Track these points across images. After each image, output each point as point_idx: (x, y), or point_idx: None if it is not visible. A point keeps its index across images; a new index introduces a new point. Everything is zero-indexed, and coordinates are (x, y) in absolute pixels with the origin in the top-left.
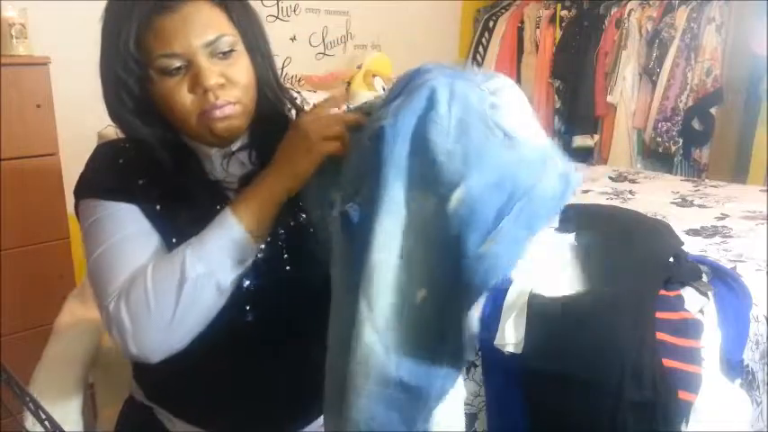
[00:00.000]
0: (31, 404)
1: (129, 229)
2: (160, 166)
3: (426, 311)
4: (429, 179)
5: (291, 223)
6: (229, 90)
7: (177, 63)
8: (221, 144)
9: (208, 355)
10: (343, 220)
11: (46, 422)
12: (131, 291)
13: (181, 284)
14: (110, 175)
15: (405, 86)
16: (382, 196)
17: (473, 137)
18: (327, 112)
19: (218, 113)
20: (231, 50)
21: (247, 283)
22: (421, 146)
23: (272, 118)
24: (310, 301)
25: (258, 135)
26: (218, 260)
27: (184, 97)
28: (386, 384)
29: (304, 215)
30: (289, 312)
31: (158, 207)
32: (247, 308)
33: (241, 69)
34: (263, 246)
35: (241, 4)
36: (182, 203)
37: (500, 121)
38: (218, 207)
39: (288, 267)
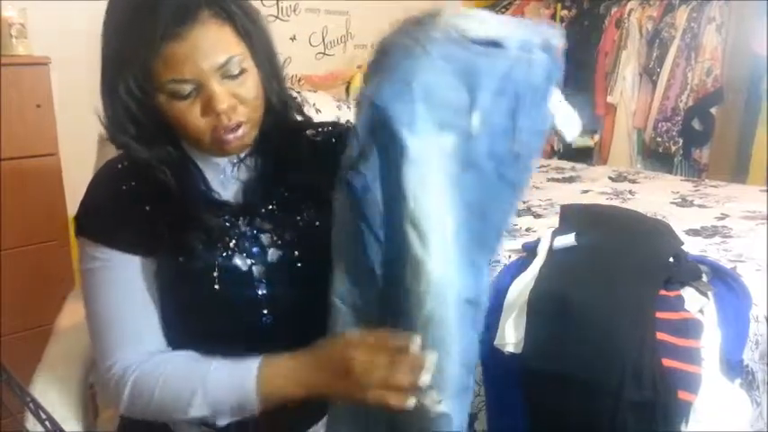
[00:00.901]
0: (31, 404)
1: (131, 287)
2: (163, 186)
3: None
4: (447, 122)
5: (300, 223)
6: (240, 110)
7: (188, 88)
8: (228, 156)
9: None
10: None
11: (46, 422)
12: (138, 382)
13: (181, 413)
14: (110, 214)
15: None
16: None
17: (461, 64)
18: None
19: (231, 137)
20: (243, 71)
21: (263, 291)
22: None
23: (277, 124)
24: (325, 298)
25: (265, 142)
26: (223, 411)
27: (197, 119)
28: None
29: (310, 209)
30: (304, 312)
31: (164, 228)
32: (265, 312)
33: (251, 87)
34: (272, 249)
35: (247, 17)
36: (187, 223)
37: (473, 35)
38: (222, 221)
39: (299, 265)
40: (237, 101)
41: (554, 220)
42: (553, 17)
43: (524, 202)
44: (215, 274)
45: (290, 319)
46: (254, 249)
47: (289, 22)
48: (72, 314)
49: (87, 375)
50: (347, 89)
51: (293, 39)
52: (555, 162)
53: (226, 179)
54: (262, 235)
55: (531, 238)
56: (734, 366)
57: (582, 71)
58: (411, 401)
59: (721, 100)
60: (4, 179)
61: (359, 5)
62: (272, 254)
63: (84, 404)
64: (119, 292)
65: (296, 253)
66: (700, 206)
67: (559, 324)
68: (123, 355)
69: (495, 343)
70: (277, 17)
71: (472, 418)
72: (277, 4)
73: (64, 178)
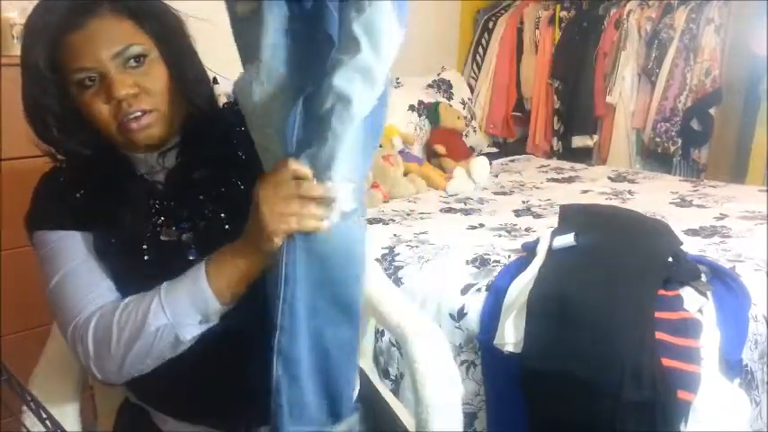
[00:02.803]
0: (32, 403)
1: (77, 257)
2: (94, 177)
3: None
4: None
5: (226, 194)
6: (144, 98)
7: (92, 77)
8: (148, 151)
9: (196, 355)
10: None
11: (47, 421)
12: (99, 321)
13: (143, 330)
14: (50, 204)
15: None
16: None
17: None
18: (284, 179)
19: (134, 125)
20: (142, 58)
21: (194, 257)
22: None
23: (202, 118)
24: None
25: (190, 135)
26: (183, 314)
27: (101, 107)
28: None
29: (234, 179)
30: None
31: (98, 217)
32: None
33: (155, 77)
34: (201, 220)
35: (154, 15)
36: (118, 206)
37: None
38: (150, 201)
39: (227, 227)
40: (141, 90)
41: (553, 220)
42: (552, 18)
43: (524, 202)
44: (144, 246)
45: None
46: (181, 224)
47: None
48: None
49: (86, 376)
50: None
51: None
52: (554, 162)
53: (153, 170)
54: (188, 209)
55: (530, 237)
56: (733, 366)
57: (581, 72)
58: (326, 223)
59: (720, 100)
60: (4, 179)
61: None
62: (200, 223)
63: (82, 405)
64: (72, 261)
65: (222, 215)
66: (699, 206)
67: (559, 324)
68: (83, 311)
69: (494, 343)
70: None
71: (472, 417)
72: None
73: None
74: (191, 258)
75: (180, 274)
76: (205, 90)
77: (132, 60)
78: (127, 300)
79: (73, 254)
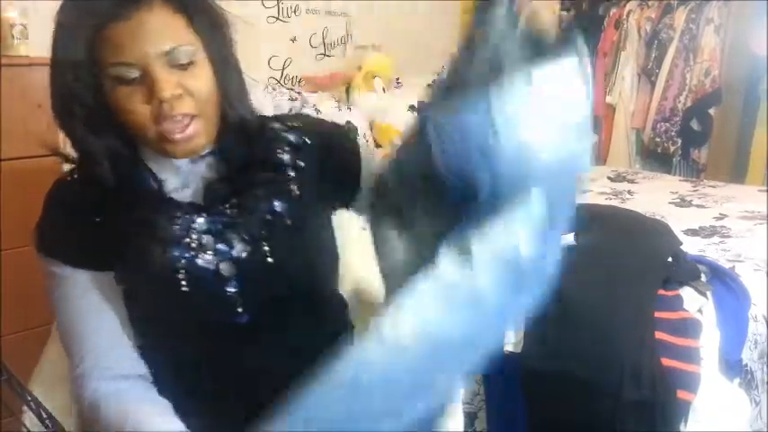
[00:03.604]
0: (32, 403)
1: (85, 298)
2: (113, 192)
3: None
4: None
5: (268, 217)
6: (188, 101)
7: (133, 73)
8: (183, 157)
9: (201, 366)
10: None
11: (47, 421)
12: (90, 400)
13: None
14: (64, 230)
15: None
16: None
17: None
18: None
19: (178, 136)
20: (191, 63)
21: (233, 289)
22: None
23: (241, 127)
24: (297, 291)
25: (225, 141)
26: None
27: (140, 107)
28: None
29: (279, 203)
30: (281, 307)
31: (118, 238)
32: (239, 310)
33: (201, 80)
34: (241, 245)
35: (205, 12)
36: (141, 228)
37: None
38: (181, 221)
39: (270, 260)
40: (185, 92)
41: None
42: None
43: None
44: (180, 275)
45: (266, 315)
46: (219, 246)
47: (289, 23)
48: None
49: None
50: (347, 90)
51: (294, 40)
52: None
53: (185, 178)
54: (227, 231)
55: None
56: (733, 366)
57: None
58: None
59: (719, 100)
60: (4, 179)
61: (359, 6)
62: (240, 249)
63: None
64: (79, 301)
65: (265, 247)
66: (698, 206)
67: (559, 324)
68: (82, 363)
69: None
70: (277, 18)
71: (472, 417)
72: (278, 4)
73: None
74: (229, 292)
75: (217, 309)
76: (246, 97)
77: (181, 59)
78: (110, 400)
79: (81, 294)
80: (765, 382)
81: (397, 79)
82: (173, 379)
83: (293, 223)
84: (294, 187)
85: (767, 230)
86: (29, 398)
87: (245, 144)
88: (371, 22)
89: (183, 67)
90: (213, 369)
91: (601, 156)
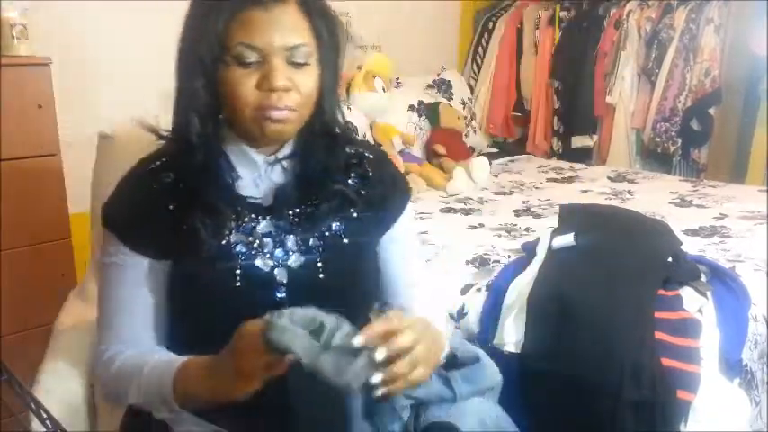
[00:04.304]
0: (32, 404)
1: (134, 284)
2: (192, 183)
3: None
4: None
5: (326, 233)
6: (293, 96)
7: (253, 56)
8: (266, 144)
9: None
10: None
11: (47, 421)
12: (109, 368)
13: (125, 397)
14: (131, 212)
15: None
16: None
17: None
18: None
19: (275, 114)
20: (306, 63)
21: (282, 295)
22: None
23: (323, 132)
24: (343, 309)
25: (306, 146)
26: (153, 402)
27: (249, 90)
28: None
29: (338, 222)
30: None
31: (187, 226)
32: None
33: (309, 80)
34: (296, 254)
35: (327, 17)
36: (211, 218)
37: None
38: (239, 221)
39: (321, 276)
40: (293, 87)
41: (553, 221)
42: (552, 18)
43: (524, 202)
44: (237, 271)
45: None
46: (278, 252)
47: None
48: (73, 313)
49: (88, 375)
50: (347, 90)
51: None
52: (554, 162)
53: (260, 178)
54: (287, 238)
55: (530, 237)
56: (733, 366)
57: (581, 72)
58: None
59: (719, 100)
60: (5, 179)
61: (359, 6)
62: (296, 259)
63: (86, 404)
64: (125, 286)
65: (319, 263)
66: (698, 206)
67: (559, 324)
68: (114, 347)
69: (494, 343)
70: None
71: None
72: None
73: (65, 178)
74: (278, 297)
75: (265, 312)
76: (340, 107)
77: (298, 58)
78: (128, 359)
79: (127, 281)
80: (765, 382)
81: (397, 79)
82: None
83: (348, 243)
84: (353, 211)
85: (767, 230)
86: (29, 398)
87: (326, 153)
88: (371, 22)
89: (298, 66)
90: None
91: (601, 156)
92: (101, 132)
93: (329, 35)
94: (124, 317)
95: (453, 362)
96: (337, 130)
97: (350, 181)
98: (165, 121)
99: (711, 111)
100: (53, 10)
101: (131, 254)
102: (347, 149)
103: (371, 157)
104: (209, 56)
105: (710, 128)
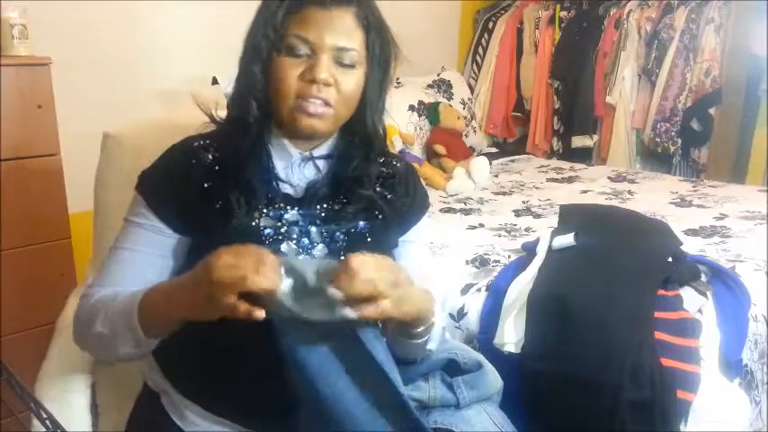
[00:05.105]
0: (32, 404)
1: (147, 248)
2: (227, 166)
3: None
4: None
5: (352, 230)
6: (333, 92)
7: (304, 49)
8: (302, 137)
9: (248, 339)
10: None
11: (47, 421)
12: (86, 302)
13: (90, 330)
14: (166, 181)
15: None
16: None
17: None
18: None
19: (311, 108)
20: (351, 66)
21: None
22: None
23: (361, 141)
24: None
25: (342, 150)
26: (119, 334)
27: (293, 78)
28: None
29: (364, 222)
30: None
31: (219, 204)
32: None
33: (351, 82)
34: (321, 245)
35: (382, 34)
36: (245, 199)
37: None
38: (269, 206)
39: None
40: (336, 84)
41: (553, 220)
42: (552, 18)
43: (524, 202)
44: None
45: None
46: (303, 240)
47: None
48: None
49: (89, 375)
50: None
51: None
52: (554, 162)
53: (292, 171)
54: (312, 229)
55: (530, 237)
56: (733, 366)
57: (581, 72)
58: (261, 312)
59: (720, 100)
60: (5, 179)
61: None
62: (320, 250)
63: (86, 404)
64: (132, 248)
65: (342, 256)
66: (698, 206)
67: (559, 324)
68: (103, 290)
69: (494, 343)
70: None
71: None
72: None
73: (65, 178)
74: None
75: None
76: (382, 121)
77: (344, 60)
78: (103, 295)
79: (145, 240)
80: (765, 382)
81: (398, 79)
82: (206, 343)
83: (371, 242)
84: (379, 214)
85: (767, 230)
86: (28, 398)
87: (361, 161)
88: None
89: (344, 67)
90: (256, 355)
91: (601, 156)
92: (105, 132)
93: (380, 51)
94: (125, 270)
95: (456, 368)
96: (375, 143)
97: (378, 188)
98: (164, 119)
99: (711, 111)
100: (53, 10)
101: (154, 219)
102: (380, 160)
103: (401, 170)
104: (266, 43)
105: (710, 128)
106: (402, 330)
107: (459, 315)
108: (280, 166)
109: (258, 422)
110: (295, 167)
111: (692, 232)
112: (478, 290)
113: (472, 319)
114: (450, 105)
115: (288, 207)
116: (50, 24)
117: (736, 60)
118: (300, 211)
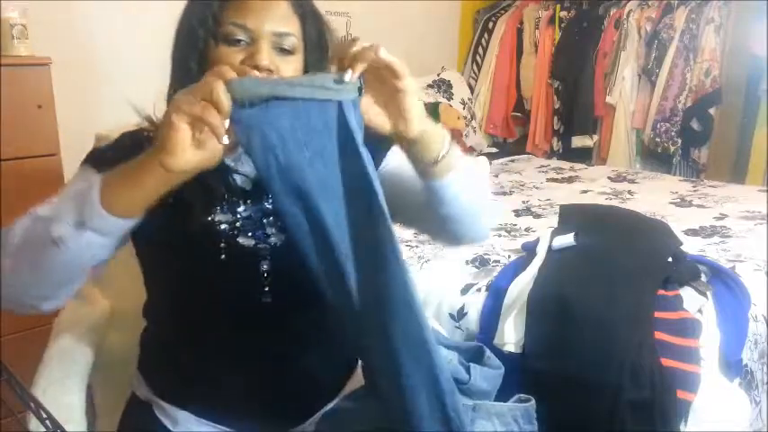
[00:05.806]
0: (31, 404)
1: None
2: None
3: None
4: None
5: None
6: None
7: (242, 36)
8: None
9: (220, 336)
10: None
11: (47, 421)
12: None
13: (24, 223)
14: (110, 152)
15: None
16: None
17: None
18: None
19: None
20: (290, 52)
21: (266, 267)
22: None
23: None
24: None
25: None
26: (62, 209)
27: (234, 68)
28: None
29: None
30: (303, 298)
31: (170, 200)
32: (265, 289)
33: (291, 69)
34: (278, 234)
35: (317, 20)
36: (204, 197)
37: None
38: (224, 201)
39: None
40: (276, 71)
41: (553, 220)
42: (552, 18)
43: (524, 202)
44: (221, 245)
45: (289, 302)
46: (258, 233)
47: None
48: (72, 313)
49: (88, 374)
50: None
51: None
52: (554, 162)
53: (242, 162)
54: (265, 220)
55: (530, 237)
56: (733, 366)
57: (581, 72)
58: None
59: (720, 100)
60: (5, 179)
61: (360, 6)
62: (276, 238)
63: (85, 404)
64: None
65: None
66: (698, 206)
67: (559, 324)
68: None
69: (494, 342)
70: None
71: None
72: None
73: (65, 178)
74: (262, 269)
75: (247, 284)
76: None
77: (284, 45)
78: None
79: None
80: (765, 382)
81: None
82: (183, 345)
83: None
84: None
85: (767, 230)
86: (28, 398)
87: None
88: (371, 22)
89: (284, 53)
90: (227, 341)
91: (601, 156)
92: (97, 133)
93: (317, 37)
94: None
95: (480, 356)
96: None
97: None
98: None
99: (711, 111)
100: (53, 10)
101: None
102: None
103: None
104: (201, 33)
105: (710, 128)
106: (415, 155)
107: (459, 315)
108: (228, 158)
109: (246, 423)
110: (244, 158)
111: (692, 232)
112: (478, 290)
113: (472, 319)
114: (451, 105)
115: (240, 201)
116: (50, 24)
117: (736, 60)
118: (251, 206)
